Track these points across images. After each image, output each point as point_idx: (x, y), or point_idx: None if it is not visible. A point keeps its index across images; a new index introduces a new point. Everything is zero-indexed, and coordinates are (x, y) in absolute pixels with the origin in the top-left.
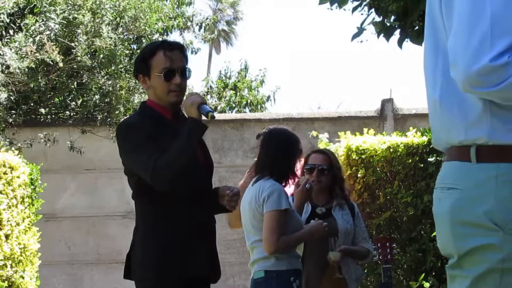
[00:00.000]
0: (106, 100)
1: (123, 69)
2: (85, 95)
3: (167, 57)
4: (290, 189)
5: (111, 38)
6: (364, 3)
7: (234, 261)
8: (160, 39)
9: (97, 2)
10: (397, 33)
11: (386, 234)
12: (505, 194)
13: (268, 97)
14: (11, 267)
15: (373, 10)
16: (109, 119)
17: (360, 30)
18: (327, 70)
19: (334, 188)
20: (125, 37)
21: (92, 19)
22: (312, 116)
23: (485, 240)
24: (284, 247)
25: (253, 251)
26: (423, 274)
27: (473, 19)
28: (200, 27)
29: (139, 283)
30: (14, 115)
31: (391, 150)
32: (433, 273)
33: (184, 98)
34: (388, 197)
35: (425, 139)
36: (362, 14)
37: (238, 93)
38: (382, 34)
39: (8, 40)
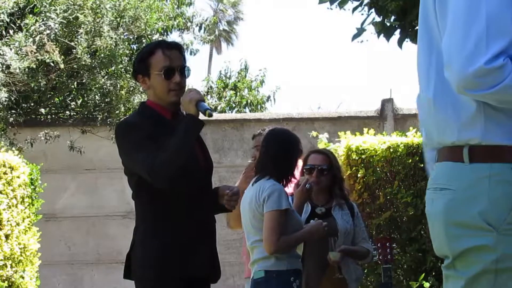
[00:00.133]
0: (106, 100)
1: (123, 69)
2: (85, 95)
3: (166, 56)
4: (289, 189)
5: (111, 38)
6: (364, 3)
7: (234, 261)
8: (160, 39)
9: (97, 2)
10: (397, 33)
11: (386, 234)
12: (498, 194)
13: (268, 97)
14: (11, 267)
15: (373, 10)
16: (109, 119)
17: (360, 30)
18: (327, 70)
19: (334, 188)
20: (125, 37)
21: (93, 18)
22: (312, 116)
23: (479, 241)
24: (284, 247)
25: (253, 251)
26: (423, 274)
27: (468, 19)
28: (200, 28)
29: (139, 283)
30: (14, 115)
31: (391, 150)
32: (433, 273)
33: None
34: (388, 197)
35: None
36: (362, 14)
37: (238, 93)
38: (382, 34)
39: (8, 40)
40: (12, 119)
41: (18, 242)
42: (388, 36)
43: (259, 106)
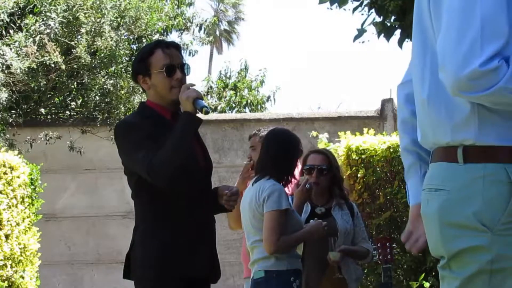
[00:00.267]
0: (106, 100)
1: (123, 69)
2: (85, 95)
3: (166, 54)
4: (289, 189)
5: (112, 38)
6: (364, 3)
7: (234, 261)
8: (159, 39)
9: (98, 2)
10: (397, 33)
11: (386, 234)
12: (492, 195)
13: (268, 97)
14: (11, 267)
15: (373, 10)
16: (109, 120)
17: (361, 31)
18: (327, 70)
19: (334, 188)
20: (126, 37)
21: (94, 18)
22: (312, 116)
23: (473, 241)
24: (284, 247)
25: (253, 251)
26: (423, 274)
27: (463, 21)
28: (200, 29)
29: (138, 283)
30: (14, 115)
31: (391, 150)
32: (433, 273)
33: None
34: (388, 197)
35: None
36: (362, 14)
37: (238, 93)
38: (383, 34)
39: (8, 39)
40: (11, 119)
41: (18, 242)
42: (388, 36)
43: (259, 106)
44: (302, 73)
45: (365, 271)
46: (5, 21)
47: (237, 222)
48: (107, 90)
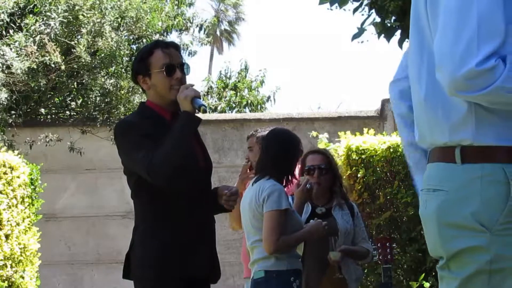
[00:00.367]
0: (106, 100)
1: (123, 69)
2: (85, 95)
3: (165, 53)
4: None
5: (112, 38)
6: (365, 3)
7: (234, 261)
8: (159, 39)
9: (98, 2)
10: (397, 33)
11: (386, 234)
12: (490, 195)
13: (268, 97)
14: (11, 267)
15: (373, 10)
16: (109, 120)
17: (361, 30)
18: (327, 70)
19: (334, 187)
20: (126, 37)
21: (94, 18)
22: (312, 116)
23: (472, 241)
24: (284, 247)
25: (253, 251)
26: (423, 274)
27: (459, 21)
28: (200, 29)
29: (138, 283)
30: (14, 116)
31: (391, 150)
32: (433, 273)
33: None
34: (388, 197)
35: None
36: (362, 14)
37: (238, 93)
38: (383, 35)
39: (8, 39)
40: (11, 120)
41: (18, 242)
42: (388, 37)
43: (259, 106)
44: (302, 73)
45: (365, 271)
46: (5, 21)
47: (238, 222)
48: (107, 90)
